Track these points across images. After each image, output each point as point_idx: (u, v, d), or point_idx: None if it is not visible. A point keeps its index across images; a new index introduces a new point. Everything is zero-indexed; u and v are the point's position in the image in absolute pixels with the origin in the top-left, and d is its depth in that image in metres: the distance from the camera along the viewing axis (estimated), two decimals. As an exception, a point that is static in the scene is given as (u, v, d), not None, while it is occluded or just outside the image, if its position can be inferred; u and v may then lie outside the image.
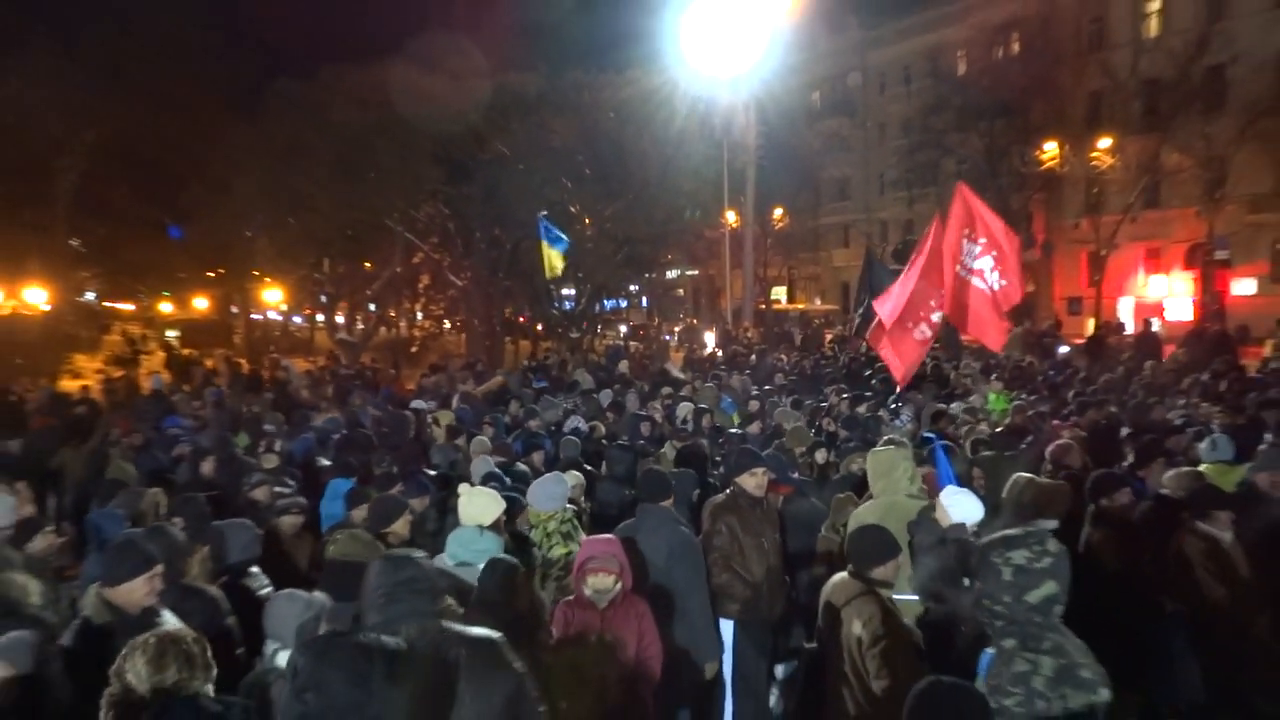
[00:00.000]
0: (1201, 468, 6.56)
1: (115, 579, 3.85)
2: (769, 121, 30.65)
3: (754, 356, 18.91)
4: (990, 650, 3.05)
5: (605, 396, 12.28)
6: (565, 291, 29.63)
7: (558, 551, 5.48)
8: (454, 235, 29.58)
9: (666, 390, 12.94)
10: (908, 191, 41.00)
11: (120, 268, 40.56)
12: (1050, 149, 34.57)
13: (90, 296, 48.26)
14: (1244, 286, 31.36)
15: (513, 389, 13.70)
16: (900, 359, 6.65)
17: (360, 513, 5.86)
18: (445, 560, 4.66)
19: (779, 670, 6.06)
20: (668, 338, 31.20)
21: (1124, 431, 8.98)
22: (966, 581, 3.69)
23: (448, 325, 48.05)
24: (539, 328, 32.24)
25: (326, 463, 8.43)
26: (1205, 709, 5.08)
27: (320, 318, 51.06)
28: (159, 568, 3.94)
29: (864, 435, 8.82)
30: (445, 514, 6.16)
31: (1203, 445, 7.12)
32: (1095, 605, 5.20)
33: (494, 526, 5.09)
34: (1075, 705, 2.77)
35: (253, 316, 47.65)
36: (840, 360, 17.51)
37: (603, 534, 4.85)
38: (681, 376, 15.82)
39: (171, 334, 42.13)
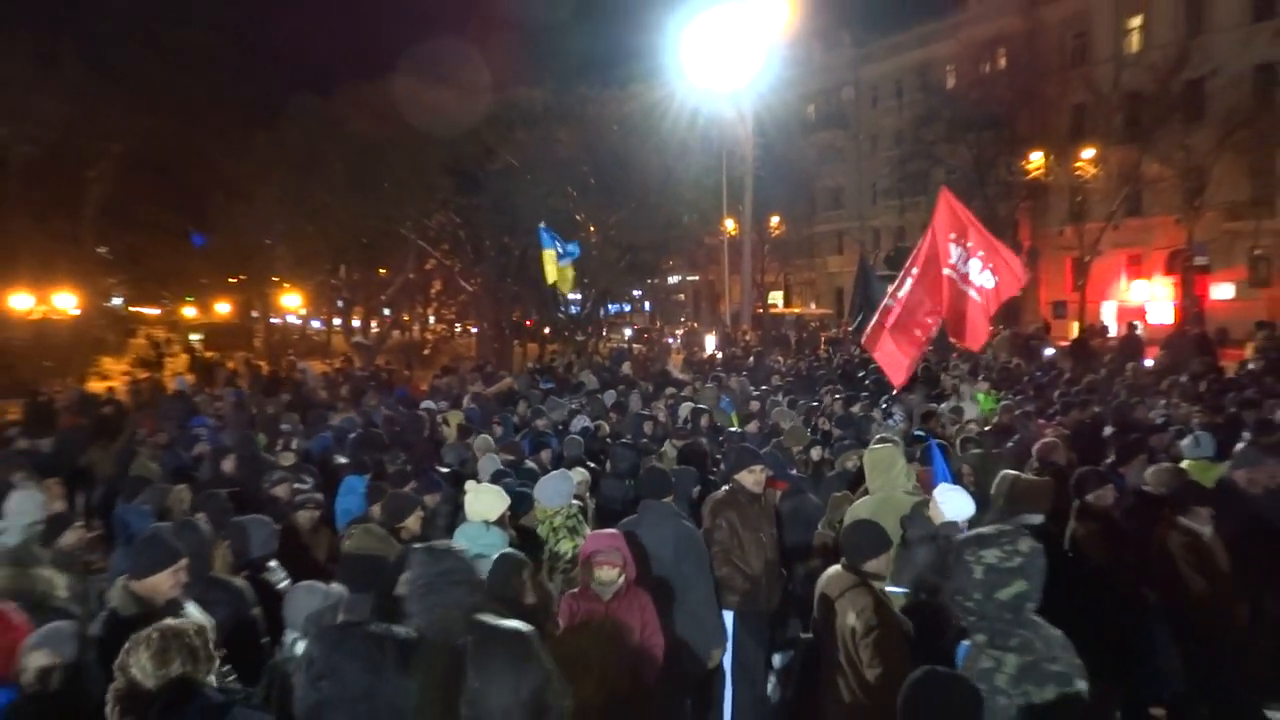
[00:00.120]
0: (1184, 464, 6.55)
1: (142, 572, 3.85)
2: (766, 133, 30.64)
3: (751, 359, 18.89)
4: (967, 643, 3.04)
5: (609, 397, 12.28)
6: (571, 296, 29.65)
7: (564, 546, 5.49)
8: (464, 243, 29.63)
9: (670, 391, 12.94)
10: (899, 200, 41.01)
11: (146, 274, 40.71)
12: (1036, 159, 34.58)
13: (117, 301, 48.43)
14: (1222, 291, 31.35)
15: (521, 390, 13.69)
16: (896, 363, 6.61)
17: (379, 508, 5.87)
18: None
19: (776, 659, 6.05)
20: (670, 341, 31.16)
21: (1107, 430, 8.97)
22: None
23: (459, 329, 48.13)
24: (546, 331, 32.25)
25: (343, 460, 8.43)
26: (1186, 698, 5.07)
27: (337, 322, 51.16)
28: (183, 561, 3.93)
29: (857, 434, 8.83)
30: (457, 510, 6.16)
31: (1185, 442, 7.12)
32: (1080, 598, 5.20)
33: (499, 522, 5.10)
34: (1039, 700, 2.74)
35: (272, 320, 47.70)
36: (835, 362, 17.49)
37: (607, 529, 4.84)
38: (681, 377, 15.82)
39: (195, 337, 42.23)
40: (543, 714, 3.05)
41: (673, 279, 46.45)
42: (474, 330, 39.19)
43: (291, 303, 49.91)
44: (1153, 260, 34.15)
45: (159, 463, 8.61)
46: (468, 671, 3.02)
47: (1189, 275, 29.66)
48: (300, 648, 3.78)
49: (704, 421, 9.68)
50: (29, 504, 5.95)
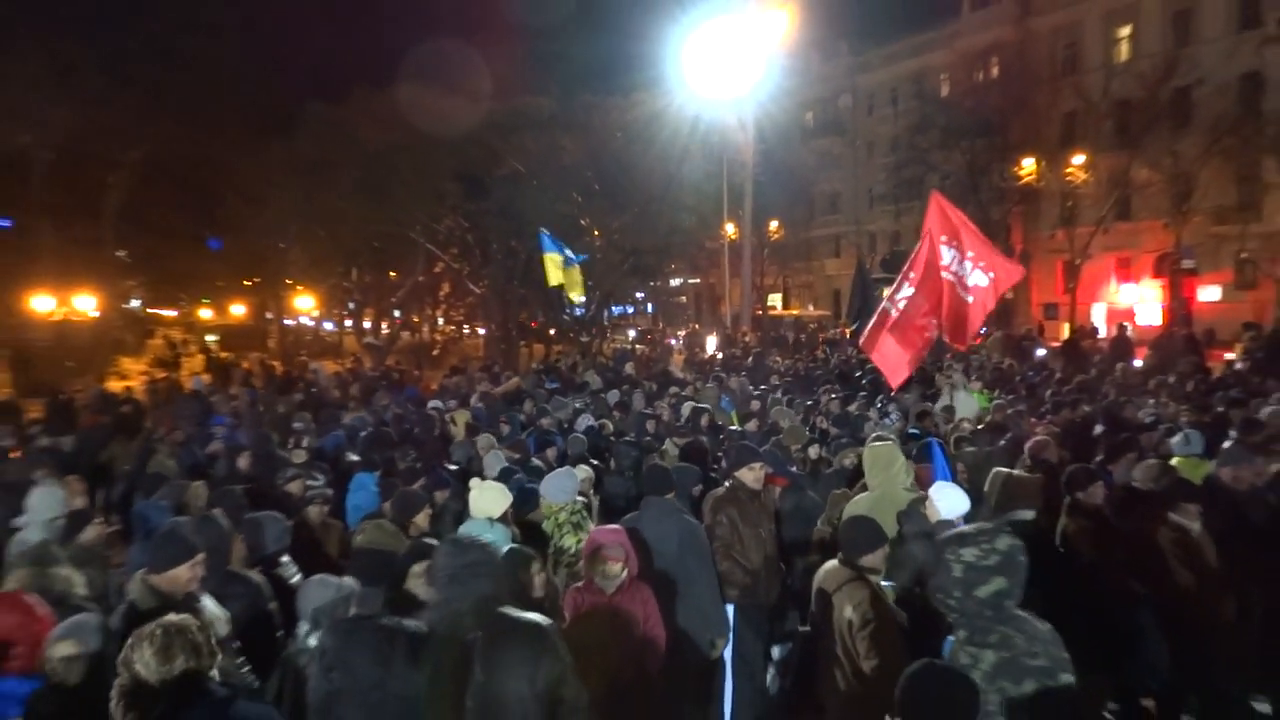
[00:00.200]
0: (1173, 461, 6.54)
1: (161, 565, 3.84)
2: (765, 140, 30.63)
3: (751, 359, 18.86)
4: (952, 638, 3.03)
5: (613, 396, 12.27)
6: (576, 298, 29.67)
7: (568, 541, 5.49)
8: (472, 246, 29.64)
9: (674, 390, 12.92)
10: (895, 205, 40.97)
11: (163, 277, 40.79)
12: (1028, 165, 34.54)
13: (136, 304, 48.52)
14: (1209, 293, 31.29)
15: (527, 389, 13.69)
16: (895, 365, 6.58)
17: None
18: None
19: (775, 651, 6.04)
20: (673, 342, 31.16)
21: (1098, 429, 8.95)
22: None
23: (467, 330, 48.16)
24: (551, 332, 32.26)
25: (355, 458, 8.44)
26: (1175, 690, 5.06)
27: (349, 323, 51.20)
28: (201, 555, 3.94)
29: (853, 432, 8.82)
30: (466, 506, 6.17)
31: (1175, 440, 7.11)
32: (1071, 592, 5.20)
33: (502, 518, 5.10)
34: (1015, 695, 2.73)
35: (286, 322, 47.77)
36: (832, 362, 17.47)
37: (610, 525, 4.85)
38: (683, 377, 15.81)
39: (211, 338, 42.31)
40: (556, 706, 3.04)
41: (675, 282, 46.45)
42: (482, 331, 39.23)
43: (304, 305, 50.02)
44: (1141, 263, 34.08)
45: (176, 460, 8.63)
46: (475, 665, 3.02)
47: (1177, 278, 29.57)
48: (314, 640, 3.79)
49: (704, 420, 9.66)
50: (50, 500, 5.97)
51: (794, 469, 7.29)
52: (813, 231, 49.88)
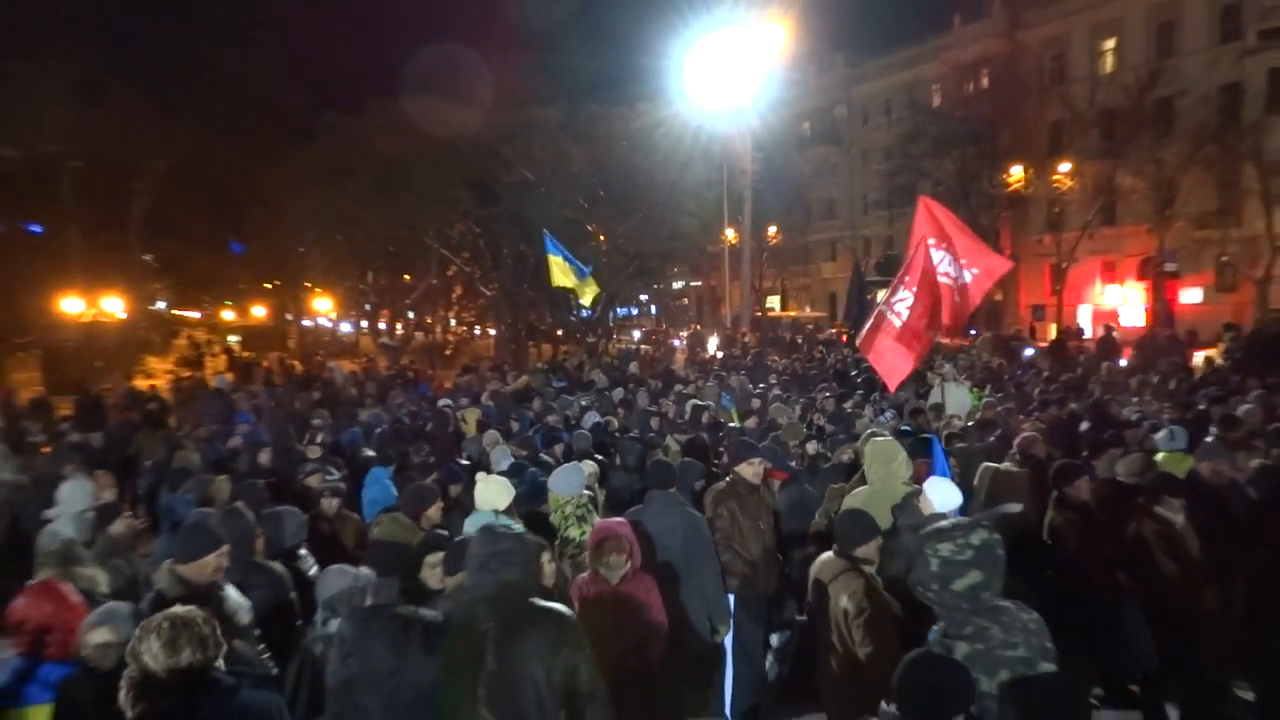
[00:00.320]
0: (1159, 456, 6.52)
1: (187, 556, 3.85)
2: (764, 149, 30.59)
3: (750, 358, 18.84)
4: (936, 627, 3.02)
5: (618, 394, 12.26)
6: (582, 300, 29.68)
7: (573, 532, 5.48)
8: (483, 251, 29.65)
9: (679, 388, 12.90)
10: (888, 211, 40.85)
11: (188, 280, 40.83)
12: (1016, 172, 34.48)
13: (161, 305, 48.55)
14: (1191, 295, 31.22)
15: (536, 388, 13.69)
16: (895, 368, 6.51)
17: (406, 498, 5.88)
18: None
19: (774, 639, 6.04)
20: (676, 342, 31.15)
21: (1084, 425, 8.92)
22: None
23: (478, 330, 48.18)
24: (559, 333, 32.26)
25: (370, 453, 8.44)
26: (1159, 677, 5.04)
27: (365, 324, 51.25)
28: (226, 547, 3.94)
29: (848, 429, 8.82)
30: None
31: (1160, 435, 7.08)
32: (1058, 583, 5.19)
33: (507, 511, 5.10)
34: (987, 687, 2.71)
35: (305, 323, 47.87)
36: (828, 362, 17.44)
37: (615, 517, 4.84)
38: (684, 375, 15.80)
39: (233, 338, 42.37)
40: (572, 697, 3.02)
41: (677, 284, 46.44)
42: (492, 332, 39.23)
43: (323, 306, 50.08)
44: (1126, 266, 34.02)
45: (200, 455, 8.64)
46: (487, 653, 3.01)
47: (1160, 280, 29.47)
48: (332, 626, 3.79)
49: (705, 418, 9.65)
50: (80, 493, 5.99)
51: (793, 464, 7.28)
52: (809, 236, 49.82)
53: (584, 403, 11.25)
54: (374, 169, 26.77)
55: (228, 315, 56.91)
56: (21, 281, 24.62)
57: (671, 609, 4.59)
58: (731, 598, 5.42)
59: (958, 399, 10.50)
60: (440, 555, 4.02)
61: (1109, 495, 5.66)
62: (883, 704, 2.49)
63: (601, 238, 27.80)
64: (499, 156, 26.01)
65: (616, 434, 9.11)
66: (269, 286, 47.32)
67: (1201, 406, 9.37)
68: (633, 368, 16.88)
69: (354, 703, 3.23)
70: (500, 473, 6.15)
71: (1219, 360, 14.76)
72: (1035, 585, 4.84)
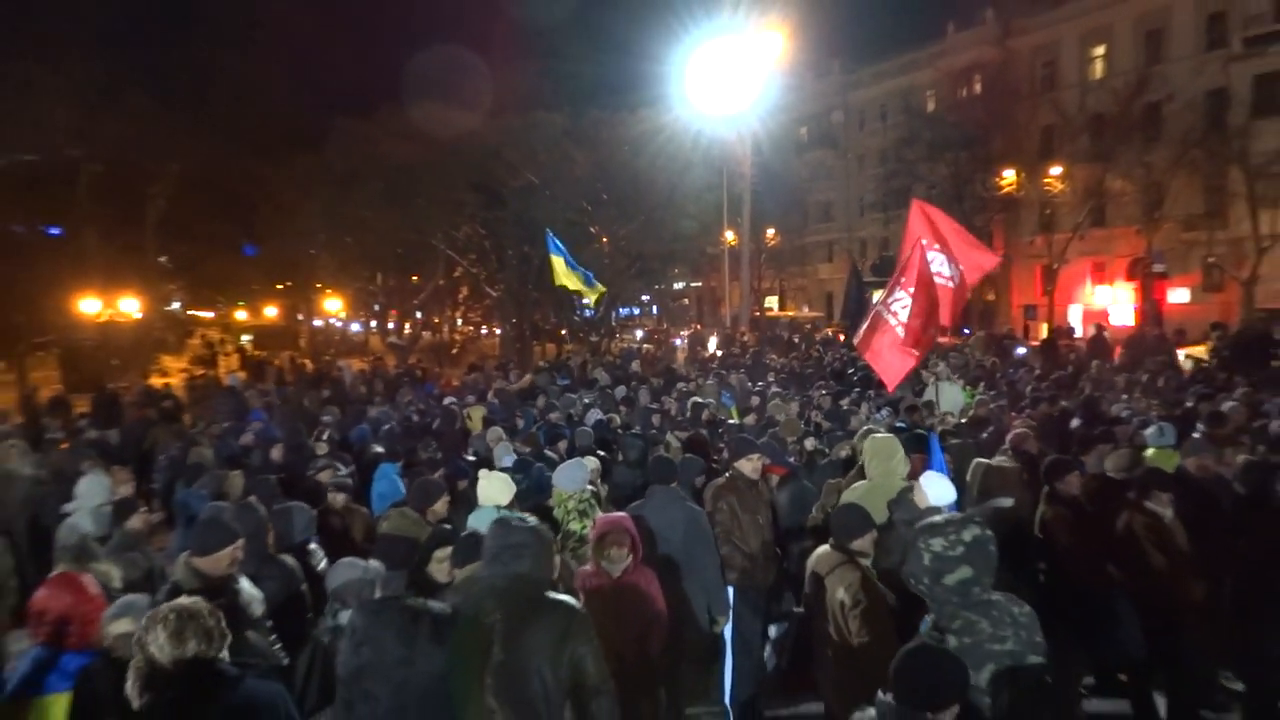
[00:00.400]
0: (1149, 452, 6.51)
1: (204, 549, 3.85)
2: (762, 153, 30.54)
3: (749, 357, 18.82)
4: (927, 618, 3.02)
5: (620, 392, 12.25)
6: (585, 300, 29.69)
7: (573, 526, 5.48)
8: (489, 252, 29.66)
9: (681, 386, 12.89)
10: (884, 213, 40.85)
11: (202, 281, 40.82)
12: (1009, 176, 34.41)
13: (176, 306, 48.59)
14: (1178, 295, 31.21)
15: (540, 386, 13.68)
16: (893, 370, 6.46)
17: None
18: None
19: (772, 630, 6.03)
20: (677, 341, 31.17)
21: (1075, 422, 8.91)
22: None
23: (484, 330, 48.18)
24: (563, 332, 32.27)
25: (379, 449, 8.45)
26: (1148, 666, 5.04)
27: (374, 324, 51.27)
28: (241, 541, 3.95)
29: (844, 426, 8.81)
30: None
31: (1150, 431, 7.07)
32: (1049, 575, 5.19)
33: (509, 506, 5.10)
34: (975, 680, 2.68)
35: (315, 323, 47.85)
36: (825, 360, 17.42)
37: (617, 512, 4.84)
38: (685, 373, 15.78)
39: (246, 338, 42.42)
40: (579, 690, 3.02)
41: (678, 285, 46.39)
42: (498, 331, 39.23)
43: (333, 307, 50.13)
44: (1115, 267, 33.97)
45: (214, 451, 8.65)
46: (494, 644, 3.01)
47: (1148, 281, 29.42)
48: (343, 617, 3.80)
49: (704, 415, 9.65)
50: (97, 488, 6.01)
51: (791, 460, 7.27)
52: (807, 238, 49.75)
53: (587, 400, 11.25)
54: (383, 173, 26.79)
55: (241, 315, 56.97)
56: (41, 283, 24.61)
57: (672, 601, 4.59)
58: (731, 590, 5.42)
59: (951, 397, 10.48)
60: (448, 549, 4.02)
61: (1099, 490, 5.65)
62: (879, 693, 2.49)
63: (604, 240, 27.82)
64: (504, 160, 26.03)
65: (619, 430, 9.11)
66: (281, 287, 47.37)
67: (1189, 404, 9.37)
68: (635, 366, 16.87)
69: (364, 691, 3.24)
70: (503, 469, 6.15)
71: (1205, 359, 14.73)
72: (1027, 578, 4.84)
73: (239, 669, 2.75)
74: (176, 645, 2.62)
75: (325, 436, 8.93)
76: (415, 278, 39.13)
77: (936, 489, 4.69)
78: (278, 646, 3.95)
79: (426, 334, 45.12)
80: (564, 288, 14.95)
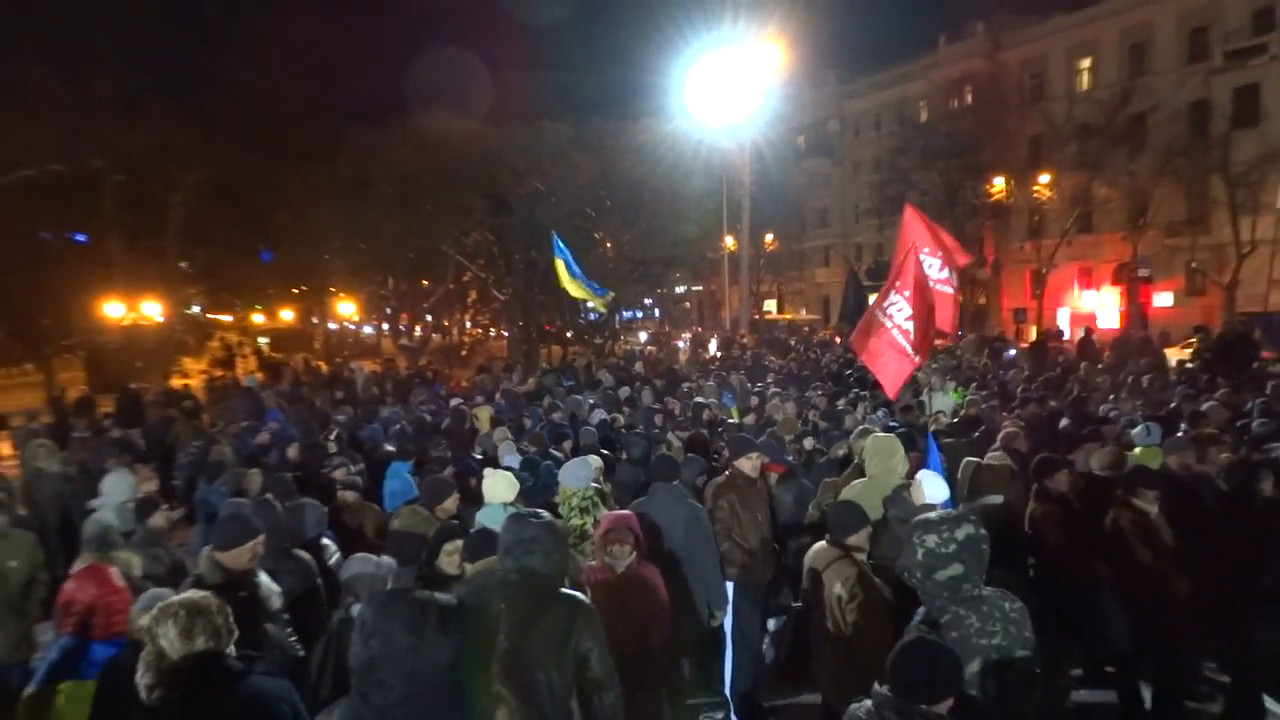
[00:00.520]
0: (1136, 450, 6.50)
1: (226, 544, 3.85)
2: (761, 161, 30.53)
3: (749, 358, 18.79)
4: (919, 611, 3.01)
5: (623, 392, 12.23)
6: (589, 304, 29.68)
7: (574, 522, 5.46)
8: (497, 257, 29.65)
9: (685, 387, 12.87)
10: (879, 219, 40.87)
11: (221, 285, 40.93)
12: (999, 184, 34.45)
13: (196, 309, 48.65)
14: (1163, 299, 31.26)
15: (546, 387, 13.67)
16: (893, 374, 6.42)
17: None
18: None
19: (770, 624, 6.03)
20: (679, 343, 31.17)
21: (1063, 422, 8.89)
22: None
23: (492, 333, 48.17)
24: (568, 334, 32.26)
25: (390, 448, 8.45)
26: (1133, 658, 5.03)
27: (386, 326, 51.28)
28: (261, 536, 3.95)
29: (839, 425, 8.79)
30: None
31: (1136, 430, 7.06)
32: (1039, 570, 5.18)
33: (514, 503, 5.10)
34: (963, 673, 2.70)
35: (330, 326, 47.91)
36: (822, 362, 17.39)
37: (620, 509, 4.83)
38: (687, 374, 15.76)
39: (263, 340, 42.45)
40: (583, 683, 3.00)
41: (680, 289, 46.32)
42: (506, 334, 39.23)
43: (346, 310, 50.14)
44: (1102, 272, 33.97)
45: (233, 449, 8.66)
46: (500, 633, 3.00)
47: (1134, 285, 29.44)
48: (357, 610, 3.80)
49: (705, 415, 9.63)
50: (121, 485, 6.02)
51: (789, 458, 7.25)
52: (804, 243, 49.72)
53: (591, 400, 11.23)
54: (394, 180, 26.82)
55: (258, 318, 57.04)
56: (67, 287, 24.73)
57: (674, 595, 4.58)
58: (730, 585, 5.42)
59: (941, 398, 10.50)
60: (457, 542, 4.02)
61: (1086, 487, 5.64)
62: (875, 685, 2.48)
63: (608, 245, 27.81)
64: (510, 168, 26.04)
65: (622, 430, 9.10)
66: (296, 291, 47.46)
67: (1174, 404, 9.34)
68: (638, 367, 16.86)
69: (378, 681, 3.22)
70: (508, 467, 6.15)
71: (1188, 361, 14.72)
72: (1017, 573, 4.83)
73: (245, 664, 2.73)
74: (186, 641, 2.61)
75: (333, 435, 8.93)
76: (425, 282, 39.10)
77: (931, 487, 4.69)
78: (294, 639, 3.96)
79: (437, 336, 45.11)
80: (568, 292, 14.91)
